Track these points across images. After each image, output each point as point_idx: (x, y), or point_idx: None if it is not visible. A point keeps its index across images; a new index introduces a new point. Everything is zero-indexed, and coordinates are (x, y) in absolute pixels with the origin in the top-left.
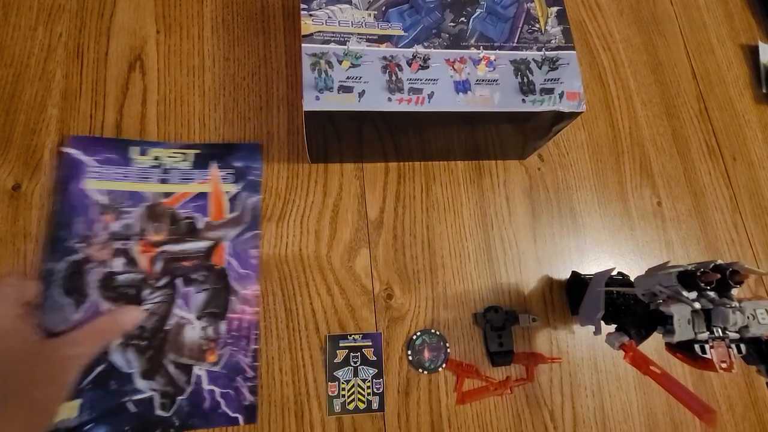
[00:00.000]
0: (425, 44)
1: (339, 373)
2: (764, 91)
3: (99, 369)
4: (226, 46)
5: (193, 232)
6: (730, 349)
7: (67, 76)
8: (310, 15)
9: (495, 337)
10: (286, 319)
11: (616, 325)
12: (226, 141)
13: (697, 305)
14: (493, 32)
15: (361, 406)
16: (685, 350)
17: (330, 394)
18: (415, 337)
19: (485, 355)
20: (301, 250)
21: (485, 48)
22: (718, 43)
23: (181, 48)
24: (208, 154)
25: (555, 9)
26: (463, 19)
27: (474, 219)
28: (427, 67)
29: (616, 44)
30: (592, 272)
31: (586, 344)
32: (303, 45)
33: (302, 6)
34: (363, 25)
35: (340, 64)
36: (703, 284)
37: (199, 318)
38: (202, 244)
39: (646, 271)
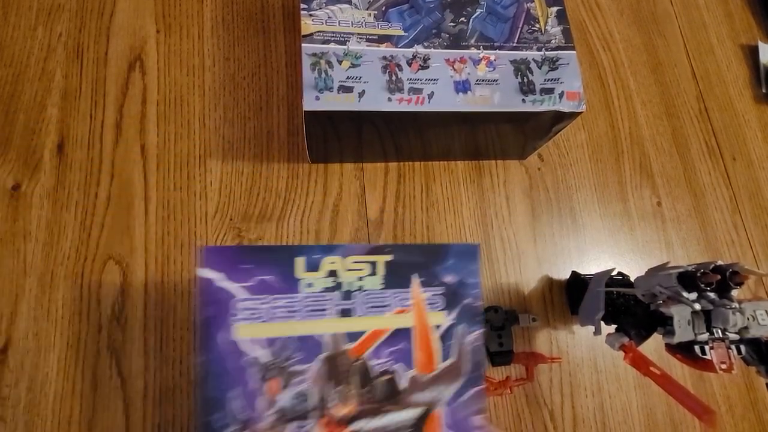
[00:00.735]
0: (425, 44)
1: None
2: (764, 91)
3: None
4: (226, 46)
5: (393, 396)
6: (730, 350)
7: (67, 75)
8: (310, 15)
9: (495, 337)
10: None
11: (616, 326)
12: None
13: (697, 306)
14: (493, 32)
15: None
16: (685, 351)
17: None
18: None
19: (485, 355)
20: None
21: (485, 48)
22: (718, 43)
23: (181, 48)
24: (406, 264)
25: (555, 9)
26: (463, 19)
27: (474, 219)
28: (427, 67)
29: (616, 44)
30: (592, 272)
31: (586, 344)
32: (303, 45)
33: (302, 6)
34: (363, 25)
35: (340, 64)
36: (703, 285)
37: None
38: (407, 415)
39: (646, 272)
